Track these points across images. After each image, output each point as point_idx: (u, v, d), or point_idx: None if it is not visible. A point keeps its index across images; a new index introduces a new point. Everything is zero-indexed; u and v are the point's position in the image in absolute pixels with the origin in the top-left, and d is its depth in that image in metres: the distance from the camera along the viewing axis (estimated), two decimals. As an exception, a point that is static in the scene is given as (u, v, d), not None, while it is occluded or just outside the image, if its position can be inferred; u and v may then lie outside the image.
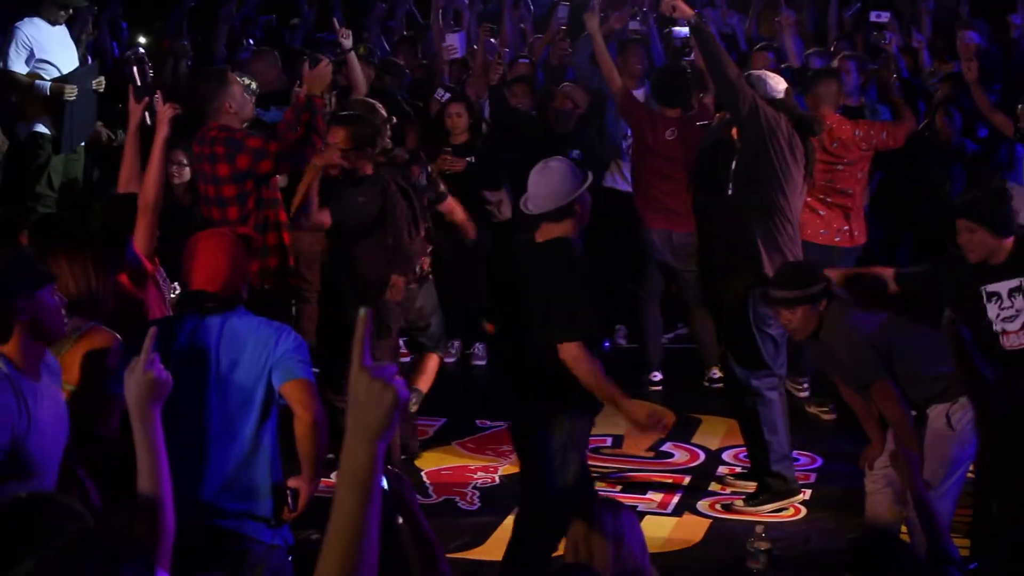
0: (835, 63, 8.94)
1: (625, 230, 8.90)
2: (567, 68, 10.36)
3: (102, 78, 9.11)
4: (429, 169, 7.72)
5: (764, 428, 6.83)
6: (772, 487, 6.89)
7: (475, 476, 7.29)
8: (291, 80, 8.63)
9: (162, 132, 5.89)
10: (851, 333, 5.75)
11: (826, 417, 8.17)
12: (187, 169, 7.69)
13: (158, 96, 6.04)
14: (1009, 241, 5.77)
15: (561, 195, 5.42)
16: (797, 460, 7.23)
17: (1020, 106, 8.44)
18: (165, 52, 10.06)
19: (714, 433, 7.91)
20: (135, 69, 6.10)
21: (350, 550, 2.28)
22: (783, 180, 6.70)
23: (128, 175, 5.94)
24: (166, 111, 5.95)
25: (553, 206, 5.42)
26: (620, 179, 9.26)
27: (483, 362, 9.32)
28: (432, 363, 7.74)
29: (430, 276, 7.57)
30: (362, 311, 2.35)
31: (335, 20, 9.16)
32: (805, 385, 8.45)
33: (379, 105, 7.32)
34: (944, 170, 8.84)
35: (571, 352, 5.28)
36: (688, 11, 6.86)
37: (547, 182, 5.46)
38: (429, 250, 7.47)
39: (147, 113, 6.05)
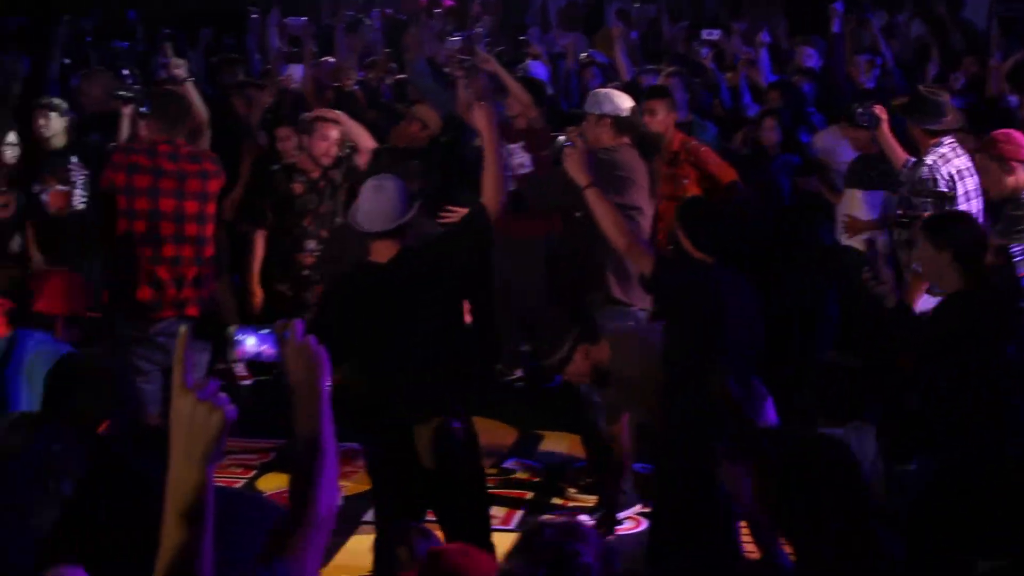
0: (661, 80, 9.05)
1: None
2: (382, 89, 10.23)
3: None
4: None
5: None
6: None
7: (318, 498, 7.17)
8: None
9: None
10: None
11: None
12: None
13: None
14: None
15: (391, 218, 5.44)
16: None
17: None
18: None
19: (556, 449, 7.96)
20: None
21: None
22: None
23: None
24: None
25: (382, 228, 5.44)
26: None
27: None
28: None
29: None
30: (182, 328, 2.31)
31: (168, 48, 8.94)
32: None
33: None
34: (772, 181, 8.89)
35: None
36: None
37: (379, 200, 5.46)
38: None
39: None
